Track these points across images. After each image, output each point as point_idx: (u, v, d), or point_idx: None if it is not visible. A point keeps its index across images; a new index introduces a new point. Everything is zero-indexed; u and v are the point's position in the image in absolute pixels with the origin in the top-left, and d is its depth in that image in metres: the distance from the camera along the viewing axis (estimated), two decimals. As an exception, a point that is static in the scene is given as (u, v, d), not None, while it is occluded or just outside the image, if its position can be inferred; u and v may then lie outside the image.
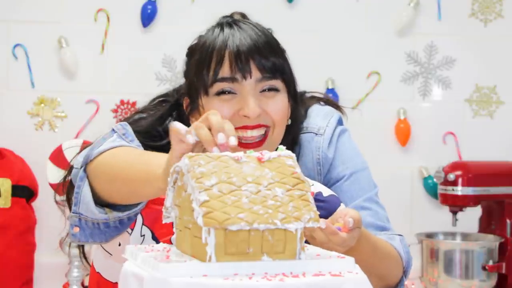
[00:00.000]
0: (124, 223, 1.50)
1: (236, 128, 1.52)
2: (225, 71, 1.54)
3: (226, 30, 1.57)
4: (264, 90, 1.56)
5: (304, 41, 3.06)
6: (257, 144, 1.53)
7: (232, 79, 1.54)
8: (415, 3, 3.13)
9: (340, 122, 1.78)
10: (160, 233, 1.53)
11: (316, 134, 1.72)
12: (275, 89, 1.57)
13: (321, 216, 1.19)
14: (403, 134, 3.13)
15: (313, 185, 1.55)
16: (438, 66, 3.17)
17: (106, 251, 1.61)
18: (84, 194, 1.52)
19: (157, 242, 1.51)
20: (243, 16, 1.65)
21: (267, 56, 1.55)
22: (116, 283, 1.59)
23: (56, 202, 1.74)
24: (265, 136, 1.57)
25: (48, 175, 2.83)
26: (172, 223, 1.51)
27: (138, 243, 1.53)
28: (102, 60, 3.08)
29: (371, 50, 3.14)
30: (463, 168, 2.83)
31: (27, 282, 2.87)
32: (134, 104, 3.08)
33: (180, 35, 3.06)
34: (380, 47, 3.14)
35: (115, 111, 3.08)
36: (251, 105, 1.53)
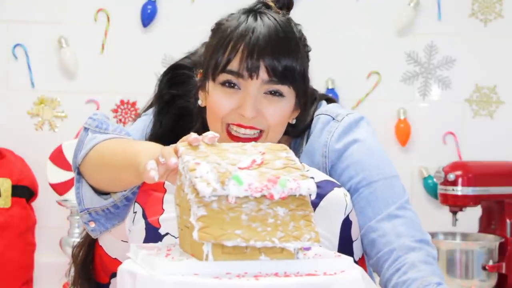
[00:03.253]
0: (130, 198, 1.53)
1: (232, 124, 1.56)
2: (234, 64, 1.55)
3: (250, 21, 1.57)
4: (269, 92, 1.57)
5: (304, 41, 3.06)
6: (250, 140, 1.53)
7: (238, 75, 1.55)
8: (415, 3, 3.13)
9: (364, 120, 1.74)
10: (150, 212, 1.54)
11: (334, 118, 1.70)
12: (280, 94, 1.57)
13: (312, 202, 1.20)
14: (403, 134, 3.13)
15: (308, 170, 1.55)
16: (438, 66, 3.17)
17: None
18: (84, 191, 1.56)
19: (146, 220, 1.53)
20: (277, 3, 1.65)
21: (279, 59, 1.54)
22: (115, 258, 1.61)
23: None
24: (258, 136, 1.57)
25: (48, 175, 2.83)
26: (161, 201, 1.53)
27: (131, 220, 1.55)
28: (102, 60, 3.08)
29: (371, 50, 3.14)
30: (463, 168, 2.82)
31: (27, 282, 2.87)
32: (134, 104, 3.08)
33: (180, 35, 3.07)
34: (380, 47, 3.14)
35: (115, 111, 3.08)
36: (248, 107, 1.54)
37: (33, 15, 3.04)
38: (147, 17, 3.07)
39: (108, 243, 1.62)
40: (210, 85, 1.59)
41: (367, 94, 3.14)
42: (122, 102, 3.08)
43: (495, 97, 3.19)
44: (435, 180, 2.87)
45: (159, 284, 1.08)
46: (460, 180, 2.80)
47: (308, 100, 1.66)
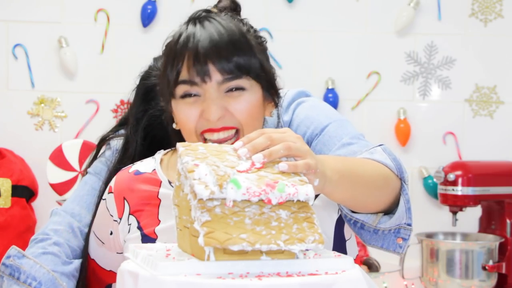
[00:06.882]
0: None
1: (203, 132, 1.53)
2: (184, 74, 1.54)
3: (190, 28, 1.57)
4: (230, 90, 1.54)
5: (304, 41, 3.06)
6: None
7: (191, 83, 1.53)
8: (415, 3, 3.13)
9: (301, 94, 1.74)
10: (145, 223, 1.54)
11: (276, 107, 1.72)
12: (241, 88, 1.55)
13: None
14: (403, 134, 3.13)
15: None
16: (438, 66, 3.17)
17: (99, 239, 1.62)
18: None
19: (141, 231, 1.52)
20: (221, 9, 1.64)
21: (228, 57, 1.52)
22: (110, 271, 1.61)
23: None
24: (237, 138, 1.55)
25: (48, 175, 2.83)
26: (156, 213, 1.53)
27: (126, 232, 1.55)
28: (102, 60, 3.08)
29: (371, 50, 3.14)
30: (463, 168, 2.82)
31: (27, 282, 2.87)
32: (134, 104, 3.08)
33: (180, 35, 3.07)
34: (380, 47, 3.14)
35: (115, 111, 3.08)
36: (211, 110, 1.52)
37: (33, 15, 3.04)
38: (147, 17, 3.07)
39: (102, 256, 1.62)
40: (173, 103, 1.58)
41: (367, 94, 3.15)
42: (122, 102, 3.08)
43: (495, 97, 3.19)
44: (435, 180, 2.87)
45: (161, 284, 1.08)
46: (460, 180, 2.80)
47: (278, 91, 1.63)
